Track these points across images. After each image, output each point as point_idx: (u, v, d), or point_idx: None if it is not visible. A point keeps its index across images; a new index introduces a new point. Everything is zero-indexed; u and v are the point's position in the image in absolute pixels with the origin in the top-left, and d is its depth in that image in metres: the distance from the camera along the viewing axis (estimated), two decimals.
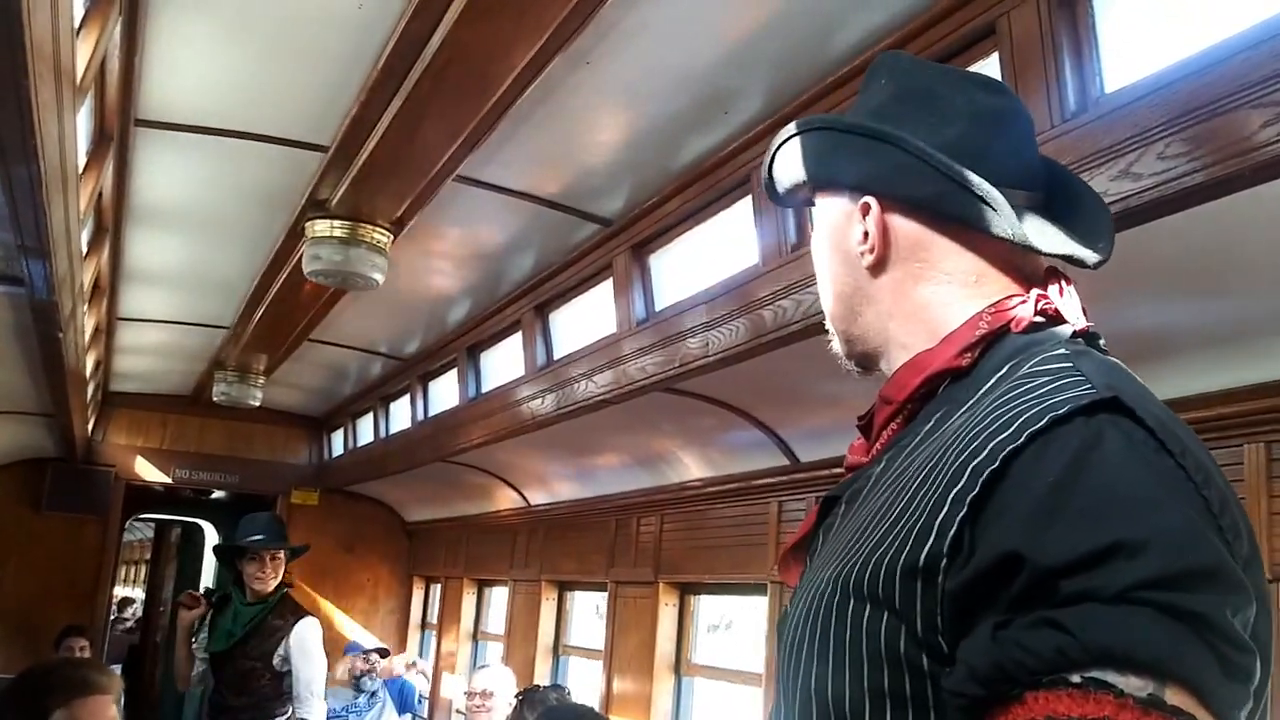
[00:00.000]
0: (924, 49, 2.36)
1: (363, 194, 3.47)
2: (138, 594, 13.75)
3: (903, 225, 1.15)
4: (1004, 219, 1.08)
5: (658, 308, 3.71)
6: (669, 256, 3.69)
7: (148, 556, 14.03)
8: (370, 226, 3.70)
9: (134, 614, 13.07)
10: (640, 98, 2.97)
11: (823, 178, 1.23)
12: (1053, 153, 1.93)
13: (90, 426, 7.67)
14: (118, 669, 9.90)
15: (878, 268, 1.16)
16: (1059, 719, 0.77)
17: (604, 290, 4.02)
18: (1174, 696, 0.77)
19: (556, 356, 4.51)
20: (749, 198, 3.11)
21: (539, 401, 4.55)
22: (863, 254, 1.17)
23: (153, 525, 12.57)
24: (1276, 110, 1.62)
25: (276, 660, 4.92)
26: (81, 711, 2.22)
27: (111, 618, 9.91)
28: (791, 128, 1.26)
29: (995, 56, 2.22)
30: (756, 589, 4.19)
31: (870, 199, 1.16)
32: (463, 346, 5.50)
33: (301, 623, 4.97)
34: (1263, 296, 2.19)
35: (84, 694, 2.25)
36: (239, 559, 5.05)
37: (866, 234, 1.16)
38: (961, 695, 0.84)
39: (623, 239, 3.78)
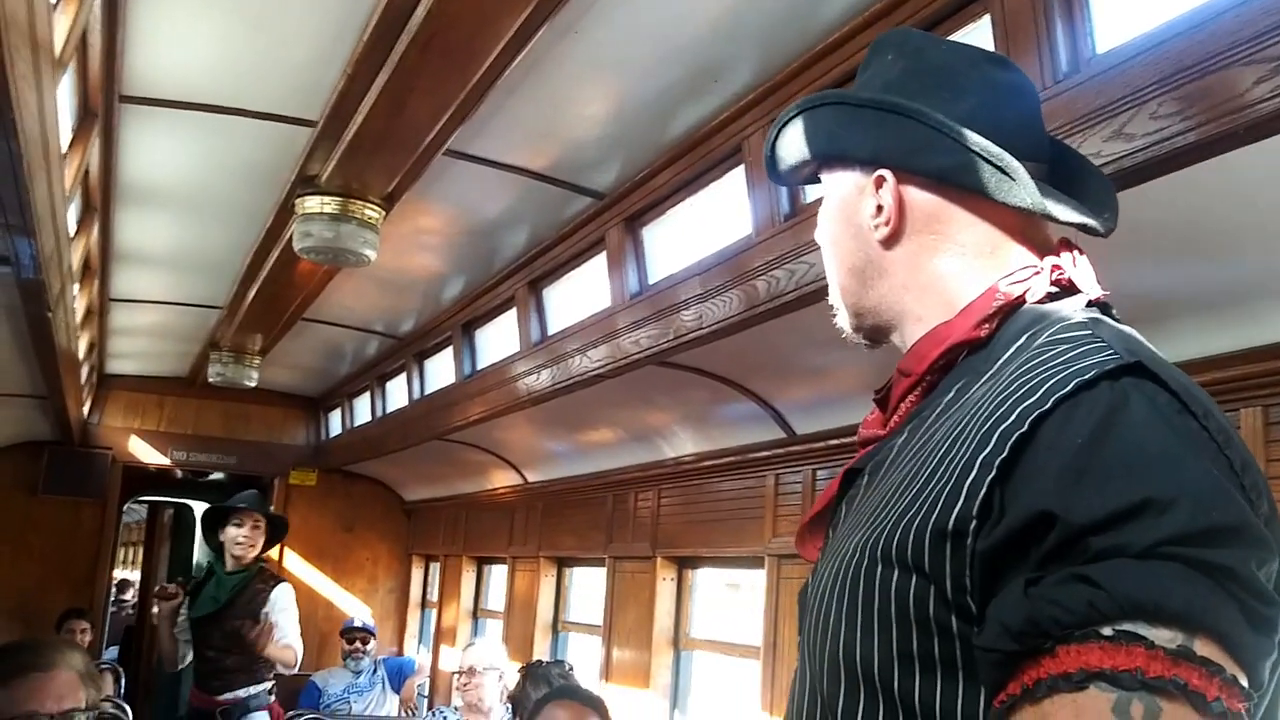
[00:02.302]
0: (914, 13, 2.34)
1: (352, 169, 3.44)
2: (137, 576, 13.76)
3: (918, 197, 1.16)
4: (1024, 189, 1.09)
5: (651, 281, 3.69)
6: (662, 229, 3.67)
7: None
8: (361, 202, 3.67)
9: (134, 596, 13.10)
10: (629, 68, 2.94)
11: (834, 152, 1.23)
12: (1045, 115, 1.91)
13: (86, 409, 7.66)
14: (114, 650, 9.94)
15: (892, 240, 1.18)
16: (1091, 670, 0.79)
17: (597, 264, 4.00)
18: (1203, 648, 0.79)
19: (551, 332, 4.50)
20: (741, 168, 3.08)
21: (534, 377, 4.54)
22: (876, 227, 1.18)
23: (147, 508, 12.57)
24: (1269, 67, 1.60)
25: (261, 618, 5.31)
26: (19, 693, 2.21)
27: (111, 599, 9.92)
28: (802, 103, 1.26)
29: (986, 19, 2.20)
30: (754, 562, 4.19)
31: (886, 172, 1.17)
32: (457, 324, 5.48)
33: (280, 585, 5.54)
34: (1258, 259, 2.17)
35: (20, 675, 2.23)
36: (224, 525, 5.52)
37: (880, 207, 1.17)
38: (994, 651, 0.86)
39: (615, 212, 3.76)
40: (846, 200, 1.22)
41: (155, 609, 5.55)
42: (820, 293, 2.68)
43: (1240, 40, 1.64)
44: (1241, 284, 2.27)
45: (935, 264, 1.15)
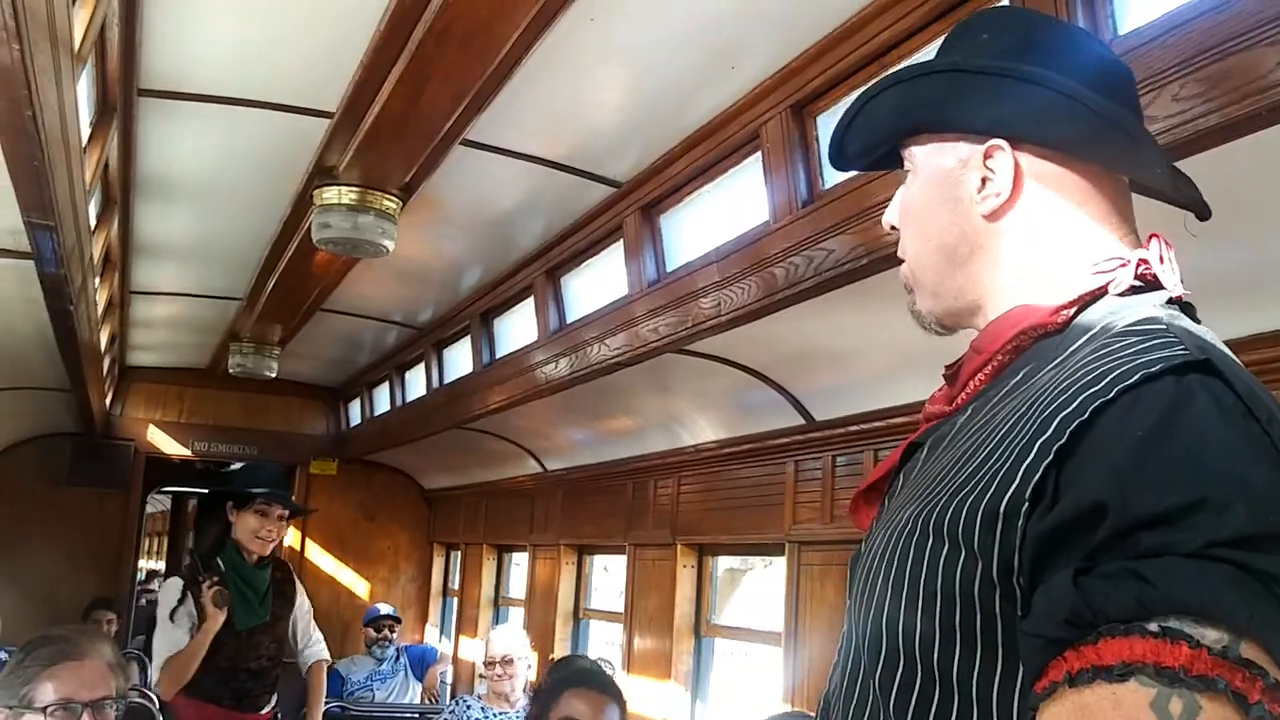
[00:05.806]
0: None
1: (370, 160, 3.45)
2: (162, 566, 13.88)
3: (1031, 169, 1.13)
4: (1156, 158, 1.09)
5: (669, 268, 3.68)
6: (679, 216, 3.66)
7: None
8: (379, 193, 3.68)
9: (158, 585, 13.21)
10: (645, 55, 2.92)
11: (941, 123, 1.18)
12: None
13: (108, 401, 7.71)
14: (141, 640, 10.01)
15: (996, 215, 1.14)
16: (1133, 663, 0.79)
17: (615, 252, 3.99)
18: (1248, 651, 0.79)
19: (569, 320, 4.50)
20: (759, 154, 3.06)
21: (553, 366, 4.54)
22: (985, 198, 1.14)
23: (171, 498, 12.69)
24: None
25: (292, 624, 4.79)
26: (54, 681, 2.24)
27: (139, 590, 10.00)
28: (897, 74, 1.21)
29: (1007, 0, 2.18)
30: (774, 549, 4.19)
31: (1001, 141, 1.13)
32: (476, 313, 5.48)
33: (296, 580, 4.94)
34: None
35: (55, 663, 2.27)
36: (240, 509, 4.58)
37: (985, 180, 1.14)
38: (1040, 636, 0.86)
39: (632, 200, 3.75)
40: (946, 174, 1.17)
41: (209, 609, 4.43)
42: (838, 279, 2.70)
43: (1264, 20, 1.62)
44: (1268, 265, 2.24)
45: (1031, 242, 1.13)
